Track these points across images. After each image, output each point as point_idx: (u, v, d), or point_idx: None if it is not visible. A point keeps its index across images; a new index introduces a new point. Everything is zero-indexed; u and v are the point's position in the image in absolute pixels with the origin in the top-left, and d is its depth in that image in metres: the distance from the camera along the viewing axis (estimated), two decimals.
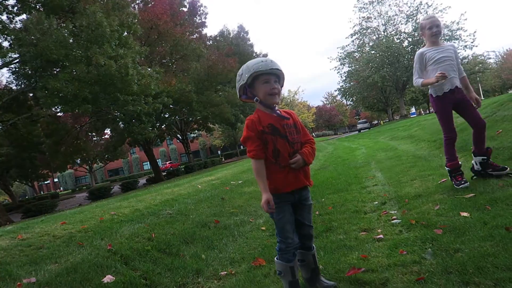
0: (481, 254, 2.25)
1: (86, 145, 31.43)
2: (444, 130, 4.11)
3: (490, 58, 66.62)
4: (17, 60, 18.27)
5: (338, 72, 54.00)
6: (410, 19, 45.19)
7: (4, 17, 18.12)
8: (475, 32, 62.05)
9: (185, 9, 32.22)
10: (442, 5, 63.10)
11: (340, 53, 52.51)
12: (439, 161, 6.15)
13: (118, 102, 18.96)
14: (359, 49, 50.31)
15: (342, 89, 55.12)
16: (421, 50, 4.11)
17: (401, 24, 47.23)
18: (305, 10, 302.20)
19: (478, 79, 57.88)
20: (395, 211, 3.77)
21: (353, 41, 50.77)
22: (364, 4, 47.92)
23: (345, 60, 52.13)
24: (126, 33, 19.77)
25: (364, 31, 49.59)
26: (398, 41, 45.90)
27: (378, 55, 45.55)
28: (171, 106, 26.04)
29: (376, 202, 4.35)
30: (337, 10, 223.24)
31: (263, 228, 4.27)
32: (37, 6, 17.99)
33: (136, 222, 4.64)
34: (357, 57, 50.65)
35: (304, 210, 2.33)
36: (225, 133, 54.21)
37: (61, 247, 3.62)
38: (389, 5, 53.30)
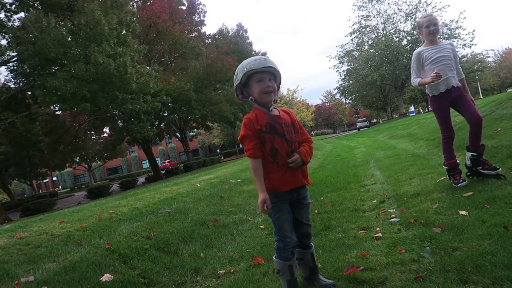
0: (480, 253, 2.25)
1: (84, 144, 31.34)
2: (442, 129, 4.12)
3: (489, 57, 66.77)
4: (15, 58, 18.23)
5: (337, 70, 54.10)
6: (409, 18, 45.19)
7: (2, 15, 18.06)
8: (474, 30, 62.05)
9: (183, 7, 32.19)
10: (441, 4, 63.14)
11: (339, 51, 52.55)
12: (438, 159, 6.16)
13: (117, 100, 18.95)
14: (358, 47, 50.30)
15: (341, 88, 55.10)
16: (418, 49, 4.10)
17: (400, 22, 47.29)
18: (304, 8, 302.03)
19: (477, 77, 57.94)
20: (394, 210, 3.77)
21: (352, 39, 50.80)
22: (363, 3, 47.93)
23: (344, 58, 52.10)
24: (124, 31, 19.75)
25: (363, 30, 49.58)
26: (397, 39, 45.90)
27: (377, 53, 45.57)
28: (170, 104, 26.01)
29: (375, 201, 4.35)
30: (336, 9, 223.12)
31: (261, 226, 4.27)
32: (35, 4, 17.94)
33: (135, 220, 4.64)
34: (356, 55, 50.64)
35: (302, 209, 2.32)
36: (224, 132, 54.17)
37: (59, 246, 3.62)
38: (388, 3, 53.53)
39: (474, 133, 3.92)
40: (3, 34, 17.76)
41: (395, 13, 47.14)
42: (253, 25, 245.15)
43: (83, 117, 26.92)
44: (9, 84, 21.50)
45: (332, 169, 8.71)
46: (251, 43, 42.28)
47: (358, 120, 64.62)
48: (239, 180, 8.54)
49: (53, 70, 18.00)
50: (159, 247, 3.70)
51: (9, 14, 18.30)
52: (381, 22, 48.54)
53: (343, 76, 53.48)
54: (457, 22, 42.55)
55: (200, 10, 33.95)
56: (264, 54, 43.56)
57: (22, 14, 18.31)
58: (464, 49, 44.06)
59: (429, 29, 3.95)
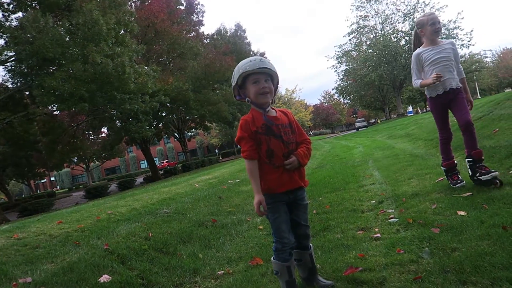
0: (478, 253, 2.25)
1: (83, 144, 31.28)
2: (439, 130, 4.12)
3: (486, 57, 66.93)
4: (13, 58, 18.18)
5: (336, 70, 54.02)
6: (407, 18, 45.27)
7: None
8: (471, 31, 62.07)
9: (182, 8, 32.16)
10: (439, 4, 63.02)
11: (338, 51, 52.62)
12: (436, 160, 6.16)
13: (115, 100, 18.92)
14: (357, 47, 50.33)
15: (340, 88, 55.14)
16: (417, 50, 4.03)
17: (398, 22, 47.34)
18: (303, 8, 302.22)
19: (474, 78, 58.03)
20: (392, 210, 3.76)
21: (350, 39, 50.81)
22: (361, 3, 47.98)
23: (342, 58, 52.15)
24: (123, 31, 19.73)
25: (362, 30, 49.64)
26: (395, 39, 45.95)
27: (375, 53, 45.61)
28: (168, 104, 26.00)
29: (374, 201, 4.35)
30: (334, 9, 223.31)
31: (260, 227, 4.26)
32: (33, 4, 17.91)
33: (133, 221, 4.63)
34: (354, 55, 50.69)
35: (300, 210, 2.31)
36: (222, 132, 54.19)
37: (57, 247, 3.61)
38: (387, 3, 53.66)
39: (466, 137, 3.82)
40: (1, 34, 17.73)
41: (393, 13, 47.24)
42: (251, 25, 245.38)
43: (81, 117, 26.88)
44: (6, 84, 21.42)
45: (330, 169, 8.71)
46: (250, 43, 42.32)
47: (357, 120, 64.75)
48: (237, 181, 8.53)
49: (51, 70, 17.97)
50: (157, 248, 3.69)
51: (6, 13, 18.25)
52: (379, 22, 48.62)
53: (342, 76, 53.55)
54: (455, 22, 42.68)
55: (198, 10, 33.95)
56: (262, 54, 43.58)
57: (20, 14, 18.26)
58: (462, 50, 44.13)
59: (435, 27, 3.85)
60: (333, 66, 58.12)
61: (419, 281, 2.12)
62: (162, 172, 30.25)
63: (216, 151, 65.31)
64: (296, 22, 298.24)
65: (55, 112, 24.59)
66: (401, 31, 46.58)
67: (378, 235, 3.08)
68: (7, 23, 18.12)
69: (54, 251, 3.47)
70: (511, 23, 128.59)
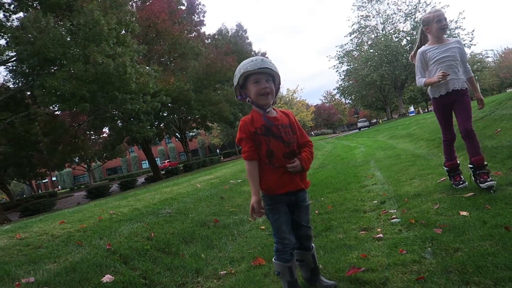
0: (481, 253, 2.25)
1: (84, 144, 31.31)
2: (442, 131, 4.07)
3: (488, 57, 66.89)
4: (14, 58, 18.20)
5: (337, 70, 54.10)
6: (408, 18, 45.23)
7: (0, 15, 18.05)
8: (473, 31, 62.22)
9: (183, 8, 32.17)
10: (441, 4, 62.96)
11: (339, 51, 52.57)
12: (438, 160, 6.16)
13: (116, 100, 18.94)
14: (358, 47, 50.32)
15: (341, 88, 55.12)
16: (422, 48, 3.92)
17: (400, 22, 47.31)
18: (304, 8, 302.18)
19: (476, 78, 57.91)
20: (395, 210, 3.76)
21: (351, 39, 50.81)
22: (362, 3, 47.96)
23: (343, 58, 52.13)
24: (124, 32, 19.75)
25: (363, 30, 49.62)
26: (396, 39, 45.94)
27: (376, 53, 45.61)
28: (169, 104, 26.01)
29: (376, 201, 4.35)
30: (335, 9, 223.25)
31: (262, 227, 4.26)
32: (34, 4, 17.93)
33: (135, 221, 4.63)
34: (355, 55, 50.68)
35: (301, 211, 2.30)
36: (223, 132, 54.15)
37: (59, 247, 3.61)
38: (388, 3, 53.61)
39: (467, 143, 3.77)
40: (2, 34, 17.73)
41: (395, 13, 47.22)
42: (252, 25, 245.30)
43: (83, 117, 26.92)
44: (8, 84, 21.45)
45: (332, 169, 8.70)
46: (251, 43, 42.32)
47: (359, 120, 64.78)
48: (239, 181, 8.54)
49: (52, 70, 17.99)
50: (159, 248, 3.69)
51: (8, 14, 18.27)
52: (380, 22, 48.60)
53: (343, 76, 53.54)
54: (456, 22, 42.65)
55: (199, 10, 33.96)
56: (263, 54, 43.57)
57: (21, 14, 18.28)
58: None
59: (441, 24, 3.75)
60: (334, 66, 58.06)
61: (422, 282, 2.12)
62: (163, 172, 30.27)
63: (218, 151, 65.31)
64: (297, 22, 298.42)
65: (56, 112, 24.64)
66: (403, 31, 46.57)
67: (381, 235, 3.08)
68: (8, 23, 18.14)
69: (57, 251, 3.47)
70: None
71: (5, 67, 19.50)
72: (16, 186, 61.60)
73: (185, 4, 32.64)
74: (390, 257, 2.59)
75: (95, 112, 22.88)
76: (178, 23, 28.43)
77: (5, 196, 43.57)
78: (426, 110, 66.91)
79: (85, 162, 46.22)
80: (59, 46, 15.93)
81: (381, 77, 44.58)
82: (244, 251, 3.54)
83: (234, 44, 37.86)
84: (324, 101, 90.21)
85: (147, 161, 39.07)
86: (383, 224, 3.42)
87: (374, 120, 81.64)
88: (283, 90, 63.44)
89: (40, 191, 64.90)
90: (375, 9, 47.95)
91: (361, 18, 48.94)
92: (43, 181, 65.82)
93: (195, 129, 43.69)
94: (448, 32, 41.32)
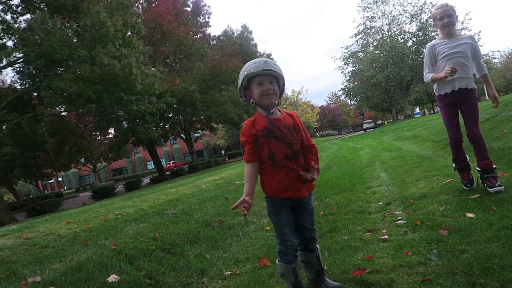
0: (487, 256, 2.23)
1: (90, 145, 31.50)
2: (447, 132, 3.86)
3: (495, 58, 66.43)
4: (22, 59, 18.36)
5: (342, 72, 53.92)
6: (414, 19, 45.05)
7: (8, 17, 18.22)
8: (479, 32, 61.71)
9: (188, 9, 32.28)
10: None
11: (344, 52, 52.48)
12: (444, 161, 6.13)
13: (122, 101, 19.03)
14: (363, 49, 50.20)
15: (346, 89, 54.99)
16: (432, 42, 3.80)
17: (405, 24, 47.14)
18: (309, 9, 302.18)
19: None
20: (400, 212, 3.75)
21: (357, 41, 50.72)
22: (368, 4, 47.87)
23: (349, 60, 52.04)
24: (130, 33, 19.84)
25: (368, 31, 49.51)
26: (402, 41, 45.77)
27: (382, 55, 45.45)
28: (174, 105, 26.11)
29: (381, 203, 4.33)
30: (341, 10, 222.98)
31: (267, 228, 4.26)
32: (41, 6, 18.08)
33: (141, 221, 4.66)
34: (361, 57, 50.57)
35: (305, 214, 2.29)
36: (228, 133, 54.30)
37: (66, 246, 3.64)
38: (393, 4, 53.36)
39: (474, 148, 3.68)
40: (10, 35, 17.90)
41: (400, 14, 47.09)
42: (258, 27, 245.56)
43: (89, 118, 27.09)
44: (15, 85, 21.64)
45: (337, 170, 8.69)
46: (256, 44, 42.31)
47: (365, 121, 64.67)
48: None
49: (59, 71, 18.12)
50: (165, 248, 3.70)
51: (15, 15, 18.45)
52: (386, 23, 48.48)
53: (348, 78, 53.41)
54: (462, 23, 42.37)
55: (205, 11, 34.05)
56: (269, 55, 43.61)
57: (28, 16, 18.45)
58: None
59: (443, 21, 3.62)
60: (339, 67, 57.94)
61: (428, 283, 2.11)
62: (168, 173, 30.36)
63: (222, 152, 65.44)
64: (302, 23, 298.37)
65: (62, 113, 24.78)
66: (408, 32, 46.40)
67: (386, 236, 3.07)
68: (16, 25, 18.32)
69: (63, 251, 3.50)
70: None
71: (12, 68, 19.69)
72: (23, 186, 61.99)
73: (191, 6, 32.75)
74: (395, 258, 2.58)
75: (101, 113, 23.00)
76: (183, 25, 28.53)
77: (11, 196, 43.93)
78: (432, 112, 66.59)
79: (91, 162, 46.50)
80: (65, 47, 16.04)
81: (387, 78, 44.41)
82: (249, 252, 3.54)
83: (239, 46, 37.88)
84: (329, 102, 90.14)
85: (152, 162, 39.24)
86: (389, 225, 3.41)
87: (380, 122, 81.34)
88: (288, 91, 63.42)
89: (46, 191, 65.31)
90: (381, 10, 47.87)
91: (366, 19, 48.87)
92: (49, 181, 66.19)
93: (200, 130, 43.80)
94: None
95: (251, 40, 41.45)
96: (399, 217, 3.53)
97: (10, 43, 18.58)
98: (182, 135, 36.62)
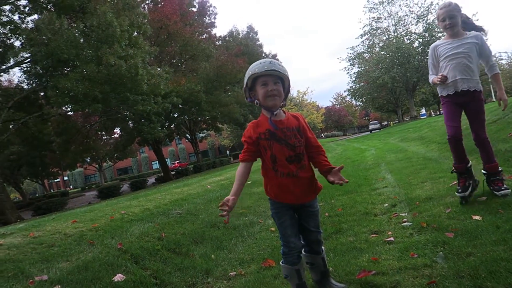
0: (494, 259, 2.22)
1: (95, 144, 31.71)
2: (447, 128, 3.63)
3: (502, 59, 65.82)
4: (29, 59, 18.51)
5: (348, 72, 53.77)
6: (420, 20, 44.83)
7: (16, 17, 18.38)
8: (487, 33, 61.25)
9: (194, 9, 32.36)
10: None
11: (350, 53, 52.32)
12: (450, 163, 6.06)
13: (128, 101, 19.12)
14: (369, 49, 50.04)
15: (352, 90, 54.84)
16: (435, 43, 3.70)
17: (412, 24, 46.89)
18: (315, 10, 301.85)
19: (489, 80, 57.16)
20: (406, 214, 3.74)
21: (363, 41, 50.55)
22: (374, 5, 47.69)
23: (354, 60, 51.87)
24: (136, 33, 19.94)
25: (374, 32, 49.33)
26: (408, 41, 45.57)
27: (388, 55, 45.27)
28: (180, 105, 26.17)
29: (386, 204, 4.32)
30: (346, 10, 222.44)
31: (272, 229, 4.26)
32: (49, 6, 18.21)
33: (146, 221, 4.68)
34: (367, 57, 50.41)
35: (310, 217, 2.27)
36: (233, 133, 54.43)
37: (72, 245, 3.66)
38: (400, 5, 53.16)
39: (480, 151, 3.56)
40: (17, 35, 18.06)
41: (407, 15, 46.85)
42: (264, 27, 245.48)
43: (94, 118, 27.25)
44: (22, 85, 21.81)
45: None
46: (262, 45, 42.30)
47: (371, 122, 64.57)
48: (249, 182, 8.49)
49: (66, 71, 18.24)
50: (170, 248, 3.72)
51: (23, 16, 18.61)
52: (392, 24, 48.27)
53: (354, 78, 53.25)
54: None
55: (210, 12, 34.12)
56: (274, 56, 43.58)
57: (35, 16, 18.60)
58: None
59: (445, 23, 3.50)
60: (345, 68, 57.82)
61: (433, 286, 2.11)
62: (173, 173, 30.44)
63: (227, 152, 65.49)
64: (308, 23, 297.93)
65: (69, 113, 24.97)
66: (415, 33, 46.16)
67: (391, 238, 3.07)
68: (23, 25, 18.48)
69: (69, 250, 3.52)
70: None
71: (19, 68, 19.85)
72: (29, 185, 62.52)
73: (197, 6, 32.83)
74: (401, 260, 2.58)
75: (107, 113, 23.11)
76: (189, 25, 28.61)
77: (18, 195, 44.28)
78: (438, 113, 66.19)
79: (97, 162, 46.72)
80: (72, 47, 16.15)
81: (393, 79, 44.23)
82: (254, 253, 3.55)
83: (245, 46, 37.89)
84: (334, 103, 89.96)
85: (157, 161, 39.35)
86: (394, 227, 3.40)
87: (385, 123, 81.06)
88: (293, 92, 63.36)
89: (52, 190, 65.70)
90: (387, 11, 47.67)
91: (372, 20, 48.70)
92: (55, 180, 66.61)
93: (205, 130, 43.91)
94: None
95: (256, 40, 41.46)
96: (404, 219, 3.52)
97: (17, 43, 18.76)
98: (187, 135, 36.73)
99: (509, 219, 2.78)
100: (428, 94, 56.62)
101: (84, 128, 27.54)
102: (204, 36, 32.29)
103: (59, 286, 2.76)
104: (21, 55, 18.81)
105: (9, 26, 17.79)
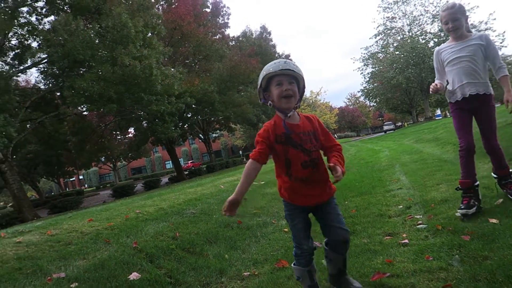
0: (511, 262, 2.19)
1: (110, 144, 32.10)
2: (458, 138, 3.47)
3: None
4: (45, 60, 18.87)
5: (362, 73, 53.37)
6: (436, 19, 44.19)
7: (33, 19, 18.76)
8: (504, 32, 60.46)
9: (208, 10, 32.54)
10: (470, 5, 61.56)
11: (364, 53, 51.92)
12: None
13: (142, 101, 19.32)
14: (383, 49, 49.57)
15: (365, 90, 54.39)
16: (438, 47, 3.56)
17: (427, 24, 46.33)
18: (328, 10, 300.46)
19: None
20: (421, 216, 3.70)
21: (377, 41, 50.10)
22: (388, 4, 47.25)
23: (368, 61, 51.45)
24: (150, 34, 20.14)
25: (389, 32, 48.86)
26: (423, 41, 45.02)
27: (402, 56, 44.79)
28: (193, 106, 26.33)
29: (401, 206, 4.29)
30: (360, 10, 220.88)
31: (285, 230, 4.26)
32: (65, 8, 18.52)
33: (161, 220, 4.73)
34: (381, 57, 49.94)
35: (328, 213, 2.19)
36: (246, 133, 54.51)
37: (88, 244, 3.73)
38: (415, 4, 52.35)
39: (491, 157, 3.44)
40: (35, 36, 18.42)
41: (422, 14, 46.30)
42: (277, 27, 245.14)
43: (109, 118, 27.59)
44: (39, 85, 22.25)
45: (356, 173, 8.62)
46: (275, 45, 42.31)
47: (385, 123, 64.15)
48: (262, 182, 8.55)
49: (81, 72, 18.55)
50: (184, 248, 3.75)
51: (40, 17, 18.97)
52: (407, 24, 47.75)
53: (368, 79, 52.81)
54: (486, 23, 41.46)
55: (224, 12, 34.28)
56: (287, 56, 43.55)
57: (52, 17, 18.95)
58: None
59: (447, 26, 3.35)
60: (359, 68, 57.35)
61: None
62: (186, 172, 30.62)
63: (240, 152, 65.61)
64: (321, 23, 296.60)
65: (84, 113, 25.33)
66: (430, 32, 45.59)
67: (406, 241, 3.04)
68: (40, 26, 18.84)
69: (86, 248, 3.59)
70: None
71: (37, 68, 20.24)
72: (45, 183, 63.53)
73: (210, 7, 33.01)
74: (416, 263, 2.56)
75: (122, 113, 23.39)
76: (203, 26, 28.78)
77: (35, 193, 45.06)
78: None
79: (111, 161, 47.23)
80: (88, 48, 16.40)
81: (407, 80, 43.73)
82: (267, 253, 3.55)
83: (258, 46, 37.93)
84: (348, 103, 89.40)
85: (171, 161, 39.62)
86: (409, 229, 3.37)
87: (399, 124, 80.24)
88: (306, 92, 63.02)
89: (67, 189, 66.68)
90: (402, 10, 47.19)
91: (386, 20, 48.25)
92: (71, 179, 67.61)
93: (218, 130, 44.08)
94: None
95: (270, 41, 41.47)
96: (419, 221, 3.49)
97: (34, 44, 19.14)
98: (200, 135, 36.92)
99: None
100: (443, 95, 55.57)
101: (99, 127, 27.90)
102: (217, 36, 32.44)
103: (76, 283, 2.81)
104: (38, 55, 19.19)
105: (26, 27, 18.18)
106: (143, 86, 18.29)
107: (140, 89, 18.48)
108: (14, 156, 25.56)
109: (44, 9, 18.89)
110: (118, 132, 34.35)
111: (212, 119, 34.37)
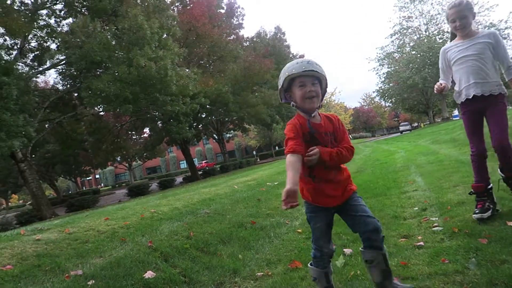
0: None
1: (126, 144, 32.50)
2: (469, 142, 3.40)
3: None
4: (64, 61, 19.25)
5: (377, 73, 52.88)
6: None
7: (52, 21, 19.16)
8: None
9: (222, 11, 32.68)
10: (489, 3, 60.44)
11: (379, 53, 51.35)
12: None
13: (157, 102, 19.54)
14: (399, 49, 48.97)
15: (381, 91, 53.81)
16: (445, 46, 3.43)
17: (444, 23, 45.44)
18: (342, 10, 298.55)
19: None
20: (437, 218, 3.65)
21: (392, 41, 49.49)
22: (404, 3, 46.66)
23: (384, 60, 50.87)
24: (165, 35, 20.35)
25: (405, 31, 48.24)
26: (440, 41, 44.28)
27: (419, 55, 44.16)
28: (208, 106, 26.49)
29: (416, 208, 4.24)
30: (375, 10, 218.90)
31: (299, 230, 4.26)
32: (83, 10, 18.87)
33: (175, 220, 4.77)
34: (396, 57, 49.35)
35: (353, 206, 2.14)
36: (260, 134, 54.47)
37: (105, 242, 3.79)
38: (432, 3, 51.58)
39: (500, 158, 3.25)
40: (53, 38, 18.81)
41: (439, 13, 45.54)
42: (291, 27, 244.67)
43: (125, 118, 27.96)
44: (57, 86, 22.69)
45: (371, 174, 8.55)
46: (289, 45, 42.23)
47: (401, 124, 63.50)
48: (276, 183, 8.56)
49: (98, 73, 18.86)
50: (198, 247, 3.78)
51: (58, 19, 19.38)
52: (423, 23, 47.09)
53: (383, 79, 52.24)
54: (506, 22, 40.54)
55: (238, 13, 34.36)
56: (301, 56, 43.39)
57: (70, 20, 19.33)
58: None
59: (455, 25, 3.21)
60: (374, 68, 56.88)
61: None
62: (200, 172, 30.80)
63: (254, 152, 65.68)
64: (336, 23, 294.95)
65: (101, 113, 25.73)
66: (447, 31, 44.77)
67: (421, 243, 3.01)
68: (59, 29, 19.24)
69: (102, 246, 3.65)
70: None
71: (55, 69, 20.64)
72: (63, 182, 64.63)
73: (225, 8, 33.15)
74: (431, 266, 2.53)
75: (137, 113, 23.67)
76: (217, 27, 28.92)
77: (52, 192, 45.92)
78: None
79: (127, 161, 47.84)
80: (104, 49, 16.69)
81: (424, 80, 43.08)
82: (280, 254, 3.56)
83: (272, 47, 37.90)
84: (363, 104, 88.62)
85: (185, 161, 39.93)
86: (424, 232, 3.33)
87: (415, 124, 79.22)
88: None
89: (84, 188, 67.78)
90: (418, 9, 46.53)
91: (403, 19, 47.63)
92: (87, 178, 68.61)
93: (232, 131, 44.21)
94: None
95: (284, 41, 41.40)
96: (435, 224, 3.45)
97: (53, 46, 19.54)
98: (214, 135, 37.12)
99: None
100: (450, 94, 54.87)
101: (115, 128, 28.29)
102: (232, 37, 32.56)
103: (93, 281, 2.86)
104: (57, 57, 19.61)
105: (46, 29, 18.59)
106: (158, 86, 18.51)
107: (155, 90, 18.70)
108: (33, 156, 26.15)
109: (63, 12, 19.30)
110: (133, 132, 34.79)
111: (226, 119, 34.50)
